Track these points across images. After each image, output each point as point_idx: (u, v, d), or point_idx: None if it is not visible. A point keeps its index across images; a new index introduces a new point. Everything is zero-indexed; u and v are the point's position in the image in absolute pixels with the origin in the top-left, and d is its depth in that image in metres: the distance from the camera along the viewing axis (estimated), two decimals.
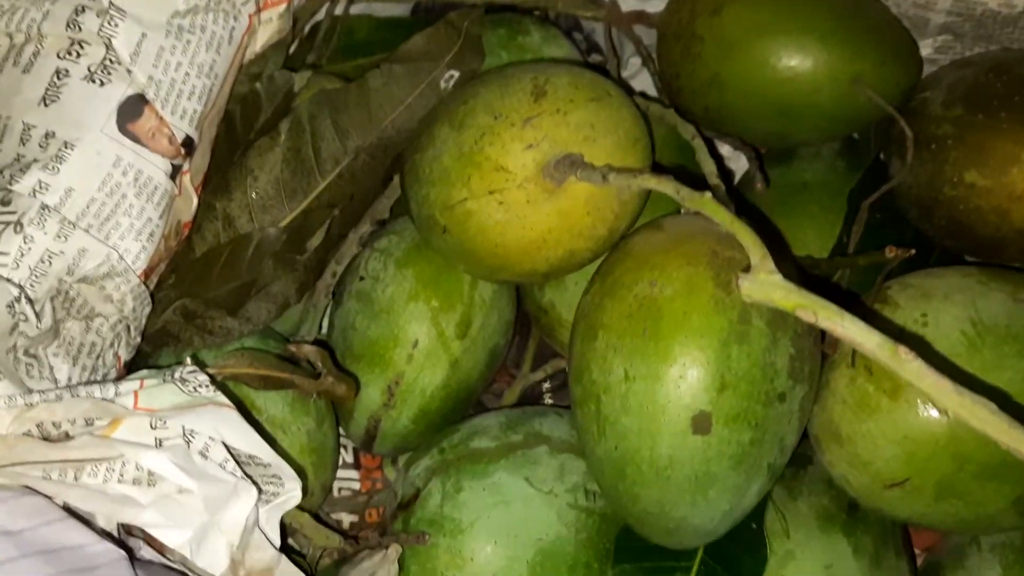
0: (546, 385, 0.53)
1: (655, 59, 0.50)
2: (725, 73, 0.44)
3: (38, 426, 0.29)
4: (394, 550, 0.38)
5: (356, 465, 0.51)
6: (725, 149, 0.52)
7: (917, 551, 0.46)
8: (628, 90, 0.43)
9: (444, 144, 0.39)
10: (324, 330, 0.49)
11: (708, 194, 0.32)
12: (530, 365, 0.52)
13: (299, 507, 0.35)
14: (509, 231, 0.39)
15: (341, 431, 0.48)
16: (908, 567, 0.42)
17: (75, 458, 0.29)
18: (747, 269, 0.30)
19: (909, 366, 0.26)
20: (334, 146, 0.45)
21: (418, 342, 0.45)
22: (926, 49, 0.48)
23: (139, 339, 0.40)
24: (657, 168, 0.41)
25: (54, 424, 0.30)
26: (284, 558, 0.34)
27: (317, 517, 0.41)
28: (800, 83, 0.43)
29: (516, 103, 0.38)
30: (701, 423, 0.35)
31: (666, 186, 0.33)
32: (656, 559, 0.40)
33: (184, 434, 0.31)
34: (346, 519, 0.51)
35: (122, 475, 0.30)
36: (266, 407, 0.42)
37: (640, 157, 0.39)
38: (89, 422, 0.30)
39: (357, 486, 0.51)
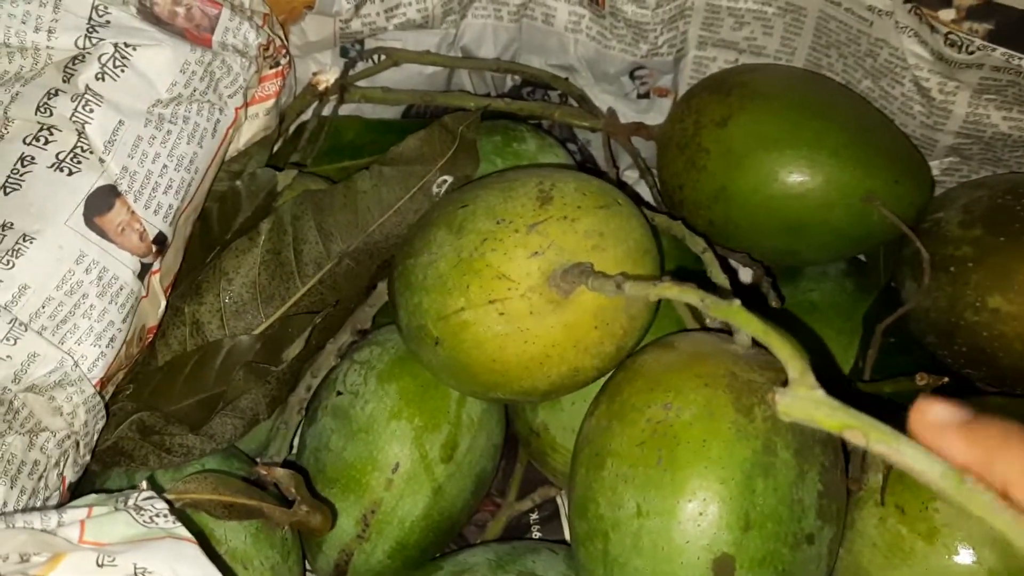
0: (533, 516, 0.48)
1: (654, 171, 0.49)
2: (732, 186, 0.43)
3: None
4: None
5: None
6: (733, 265, 0.50)
7: None
8: (635, 199, 0.41)
9: (441, 249, 0.36)
10: (294, 450, 0.44)
11: (737, 302, 0.29)
12: (516, 493, 0.47)
13: None
14: (509, 345, 0.35)
15: (308, 565, 0.43)
16: None
17: None
18: (784, 384, 0.27)
19: (980, 499, 0.22)
20: (317, 250, 0.42)
21: (399, 466, 0.41)
22: (932, 171, 0.46)
23: (88, 458, 0.36)
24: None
25: None
26: None
27: None
28: (810, 199, 0.41)
29: (520, 208, 0.35)
30: (723, 567, 0.31)
31: (690, 295, 0.30)
32: None
33: (135, 573, 0.27)
34: None
35: None
36: (226, 538, 0.38)
37: (650, 268, 0.37)
38: (25, 558, 0.26)
39: None
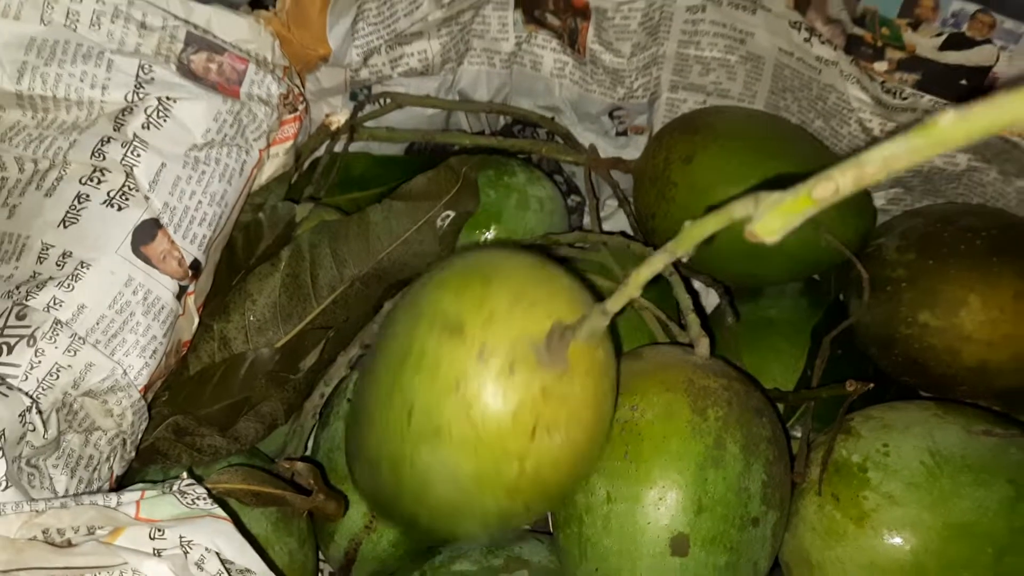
0: None
1: (631, 201, 0.54)
2: (697, 216, 0.48)
3: (44, 532, 0.30)
4: None
5: None
6: (696, 285, 0.55)
7: None
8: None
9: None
10: (308, 451, 0.50)
11: (687, 222, 0.26)
12: None
13: None
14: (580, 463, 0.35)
15: (321, 556, 0.48)
16: None
17: (79, 565, 0.29)
18: None
19: (947, 120, 0.19)
20: (331, 274, 0.48)
21: None
22: (879, 200, 0.52)
23: (133, 454, 0.41)
24: None
25: (59, 531, 0.30)
26: None
27: None
28: None
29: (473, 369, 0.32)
30: (679, 545, 0.37)
31: (657, 261, 0.27)
32: None
33: (181, 544, 0.32)
34: None
35: None
36: (250, 525, 0.43)
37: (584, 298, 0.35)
38: (92, 530, 0.31)
39: None
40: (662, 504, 0.37)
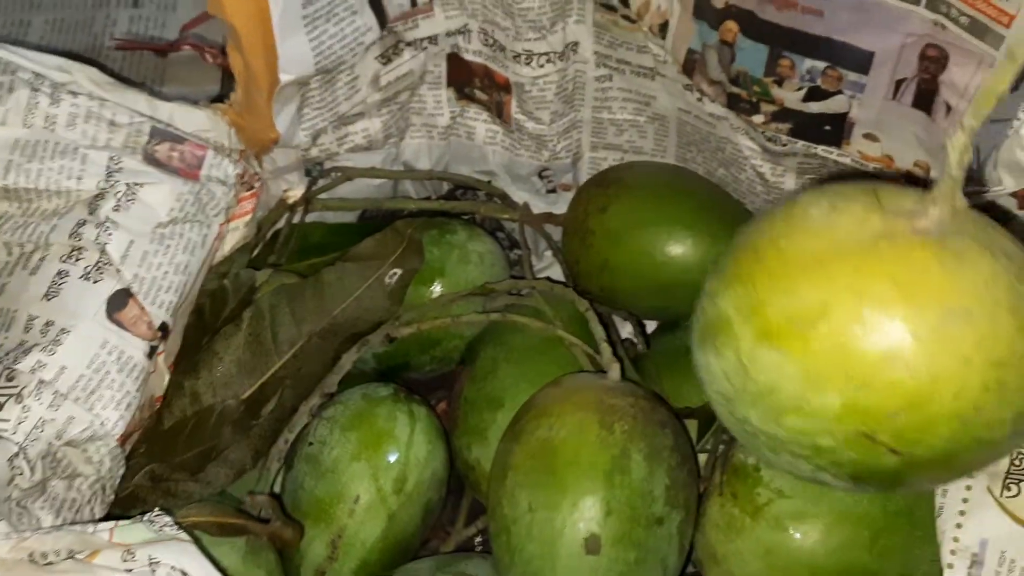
0: (477, 539, 0.58)
1: (562, 250, 0.60)
2: (613, 259, 0.54)
3: (29, 555, 0.35)
4: None
5: None
6: (628, 329, 0.61)
7: None
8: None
9: None
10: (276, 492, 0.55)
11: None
12: (463, 521, 0.57)
13: None
14: None
15: None
16: None
17: None
18: None
19: None
20: (291, 330, 0.53)
21: (359, 498, 0.50)
22: None
23: (112, 497, 0.46)
24: None
25: (42, 554, 0.36)
26: None
27: None
28: (673, 265, 0.53)
29: None
30: (592, 544, 0.41)
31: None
32: None
33: (150, 564, 0.37)
34: None
35: None
36: (220, 558, 0.47)
37: None
38: (71, 554, 0.36)
39: None
40: (575, 510, 0.41)
